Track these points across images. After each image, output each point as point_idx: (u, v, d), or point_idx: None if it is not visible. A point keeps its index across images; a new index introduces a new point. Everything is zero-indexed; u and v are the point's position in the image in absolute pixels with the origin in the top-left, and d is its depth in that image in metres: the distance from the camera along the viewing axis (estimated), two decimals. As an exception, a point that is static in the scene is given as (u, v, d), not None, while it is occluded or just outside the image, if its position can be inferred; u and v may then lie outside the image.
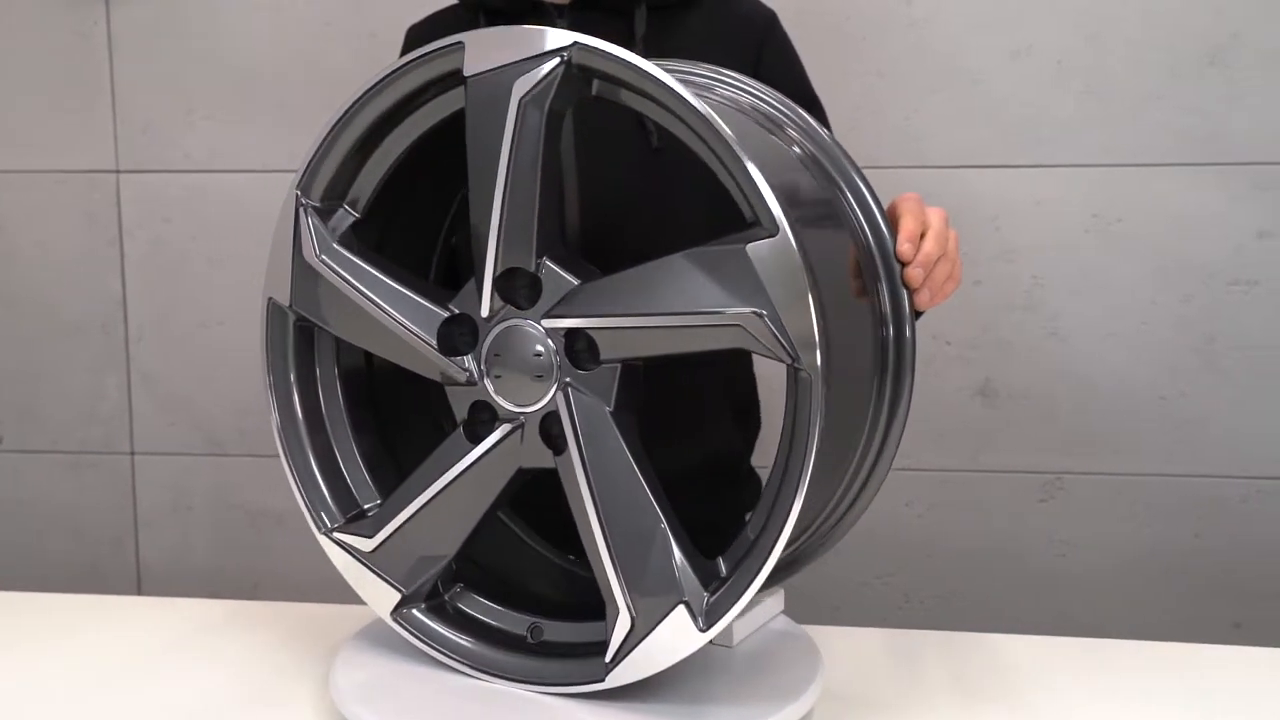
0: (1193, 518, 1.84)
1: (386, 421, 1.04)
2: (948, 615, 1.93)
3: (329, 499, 0.98)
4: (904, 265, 0.90)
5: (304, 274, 0.95)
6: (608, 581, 0.83)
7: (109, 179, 1.98)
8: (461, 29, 0.89)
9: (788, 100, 0.93)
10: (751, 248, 0.77)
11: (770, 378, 1.37)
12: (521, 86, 0.83)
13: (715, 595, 0.81)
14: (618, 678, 0.84)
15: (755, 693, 0.90)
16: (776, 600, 1.04)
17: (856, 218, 0.90)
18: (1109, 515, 1.86)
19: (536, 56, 0.83)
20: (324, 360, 1.01)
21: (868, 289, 0.90)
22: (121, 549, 2.07)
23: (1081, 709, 0.97)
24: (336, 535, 0.96)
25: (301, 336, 0.99)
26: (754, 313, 0.77)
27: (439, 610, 0.96)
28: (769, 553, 0.78)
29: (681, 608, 0.81)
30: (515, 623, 0.94)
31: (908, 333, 0.90)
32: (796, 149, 0.89)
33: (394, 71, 0.90)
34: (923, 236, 0.91)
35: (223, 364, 1.99)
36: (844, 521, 0.94)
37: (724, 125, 0.77)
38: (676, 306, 0.80)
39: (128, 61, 1.94)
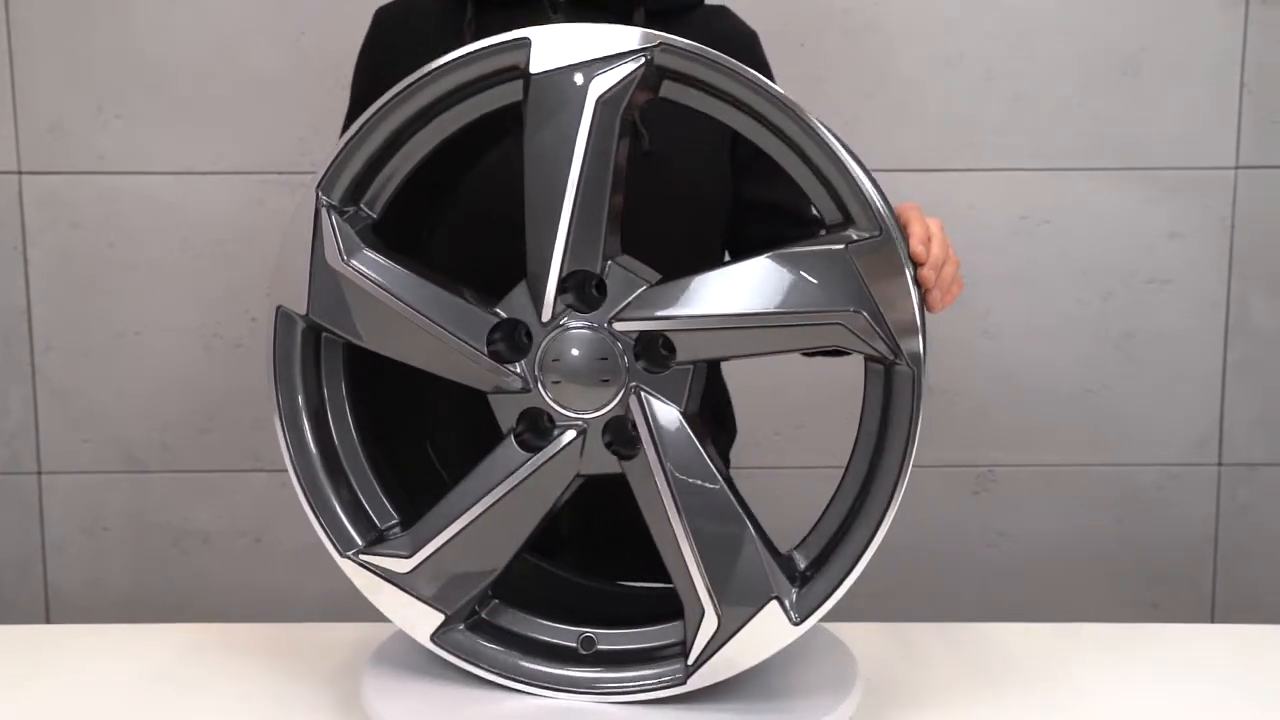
0: (1114, 505, 1.95)
1: (395, 436, 1.01)
2: (888, 607, 1.97)
3: (345, 520, 0.94)
4: (918, 266, 0.91)
5: (326, 280, 0.90)
6: (691, 584, 0.83)
7: (10, 180, 1.84)
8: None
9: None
10: (854, 248, 0.81)
11: (744, 387, 1.38)
12: (599, 86, 0.82)
13: (804, 589, 0.83)
14: (701, 679, 0.84)
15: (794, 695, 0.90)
16: None
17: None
18: (1038, 505, 1.95)
19: (615, 55, 0.82)
20: (331, 373, 0.96)
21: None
22: (28, 575, 1.93)
23: (1086, 694, 1.01)
24: (364, 558, 0.92)
25: (310, 347, 0.95)
26: (854, 310, 0.80)
27: (479, 628, 0.93)
28: (865, 546, 0.80)
29: (774, 604, 0.82)
30: (563, 635, 0.92)
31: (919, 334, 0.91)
32: None
33: (447, 64, 0.86)
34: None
35: (141, 376, 1.88)
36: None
37: (820, 124, 0.78)
38: (771, 307, 0.81)
39: (30, 54, 1.81)
